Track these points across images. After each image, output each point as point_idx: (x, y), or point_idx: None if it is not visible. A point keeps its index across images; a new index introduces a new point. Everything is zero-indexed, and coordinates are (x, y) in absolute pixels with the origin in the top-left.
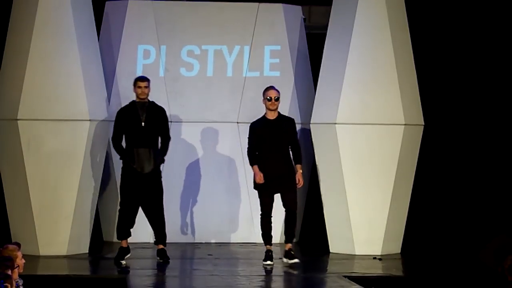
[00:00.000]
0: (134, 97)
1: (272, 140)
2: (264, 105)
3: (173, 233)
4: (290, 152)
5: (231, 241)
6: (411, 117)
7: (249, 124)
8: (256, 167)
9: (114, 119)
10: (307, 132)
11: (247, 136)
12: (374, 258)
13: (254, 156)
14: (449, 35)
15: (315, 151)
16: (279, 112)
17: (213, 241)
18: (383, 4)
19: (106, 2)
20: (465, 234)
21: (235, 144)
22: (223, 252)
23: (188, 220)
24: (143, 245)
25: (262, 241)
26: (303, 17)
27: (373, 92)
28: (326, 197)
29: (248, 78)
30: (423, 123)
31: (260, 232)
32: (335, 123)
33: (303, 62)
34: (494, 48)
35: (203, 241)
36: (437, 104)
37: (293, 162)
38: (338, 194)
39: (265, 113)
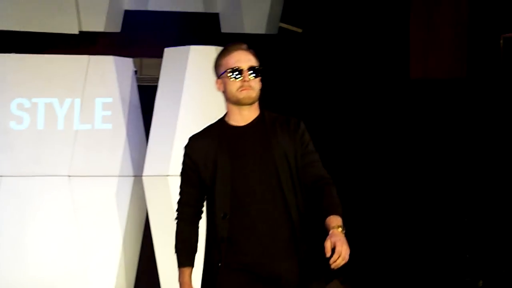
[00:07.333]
0: None
1: (247, 174)
2: (224, 97)
3: None
4: (296, 203)
5: None
6: None
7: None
8: (185, 273)
9: None
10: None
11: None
12: None
13: (185, 239)
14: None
15: (147, 204)
16: (261, 109)
17: None
18: (213, 54)
19: None
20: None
21: (65, 198)
22: None
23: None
24: None
25: None
26: (135, 69)
27: None
28: (160, 251)
29: (79, 131)
30: None
31: None
32: (168, 175)
33: (135, 114)
34: (361, 49)
35: None
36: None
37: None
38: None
39: (226, 114)
